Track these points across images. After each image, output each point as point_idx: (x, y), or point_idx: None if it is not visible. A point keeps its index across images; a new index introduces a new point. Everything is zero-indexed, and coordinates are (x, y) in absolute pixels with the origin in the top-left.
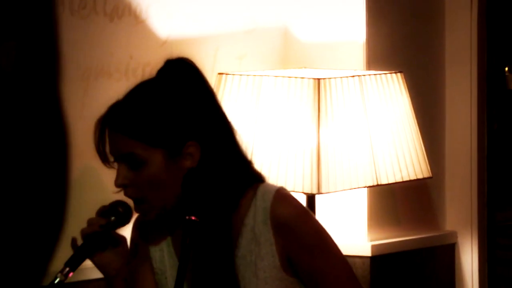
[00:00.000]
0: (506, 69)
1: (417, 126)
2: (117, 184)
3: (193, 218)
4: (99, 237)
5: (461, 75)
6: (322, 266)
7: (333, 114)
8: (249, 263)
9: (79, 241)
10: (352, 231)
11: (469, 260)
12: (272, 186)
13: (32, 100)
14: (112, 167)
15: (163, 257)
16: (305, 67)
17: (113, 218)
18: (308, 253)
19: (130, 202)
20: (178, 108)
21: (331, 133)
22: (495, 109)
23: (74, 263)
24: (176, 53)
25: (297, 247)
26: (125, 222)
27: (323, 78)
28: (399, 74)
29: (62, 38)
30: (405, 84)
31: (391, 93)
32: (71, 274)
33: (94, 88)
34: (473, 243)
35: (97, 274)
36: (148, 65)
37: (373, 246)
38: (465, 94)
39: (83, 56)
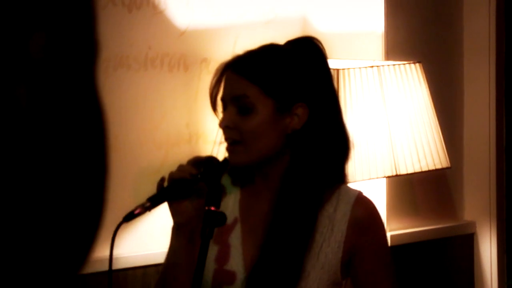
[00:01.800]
0: None
1: (435, 117)
2: (222, 125)
3: (212, 208)
4: (185, 185)
5: (479, 65)
6: (378, 272)
7: (352, 104)
8: (315, 243)
9: (166, 183)
10: None
11: (487, 250)
12: (354, 188)
13: (67, 87)
14: (216, 115)
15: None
16: None
17: (203, 170)
18: (371, 256)
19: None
20: (298, 69)
21: (350, 123)
22: None
23: (155, 200)
24: (195, 43)
25: (365, 247)
26: (214, 177)
27: (342, 69)
28: (417, 65)
29: None
30: (424, 75)
31: (410, 83)
32: (150, 210)
33: (113, 79)
34: (491, 233)
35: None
36: (167, 55)
37: (392, 236)
38: (483, 84)
39: (101, 47)
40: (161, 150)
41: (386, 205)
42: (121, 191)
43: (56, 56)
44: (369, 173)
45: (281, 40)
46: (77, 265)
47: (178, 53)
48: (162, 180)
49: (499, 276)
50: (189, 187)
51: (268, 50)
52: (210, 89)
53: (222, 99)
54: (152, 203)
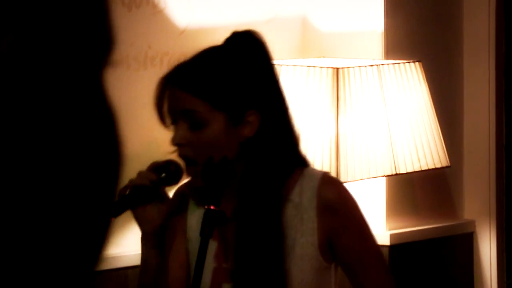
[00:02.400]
0: None
1: (435, 115)
2: (174, 142)
3: (212, 207)
4: (146, 191)
5: (479, 64)
6: (360, 250)
7: (352, 103)
8: (288, 238)
9: (127, 190)
10: (370, 220)
11: (487, 249)
12: (319, 170)
13: (77, 85)
14: (168, 128)
15: (199, 225)
16: (323, 56)
17: (163, 175)
18: (350, 236)
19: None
20: (244, 75)
21: (349, 122)
22: None
23: (116, 210)
24: (195, 42)
25: (340, 228)
26: (174, 182)
27: (342, 67)
28: (417, 64)
29: None
30: (424, 73)
31: (410, 82)
32: (111, 219)
33: (113, 77)
34: (491, 232)
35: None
36: (166, 54)
37: (391, 235)
38: (483, 83)
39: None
40: (161, 149)
41: (386, 204)
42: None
43: (68, 54)
44: (368, 172)
45: (280, 39)
46: (90, 265)
47: (178, 52)
48: (123, 188)
49: (499, 274)
50: (150, 193)
51: (211, 59)
52: (154, 104)
53: (170, 113)
54: (112, 213)
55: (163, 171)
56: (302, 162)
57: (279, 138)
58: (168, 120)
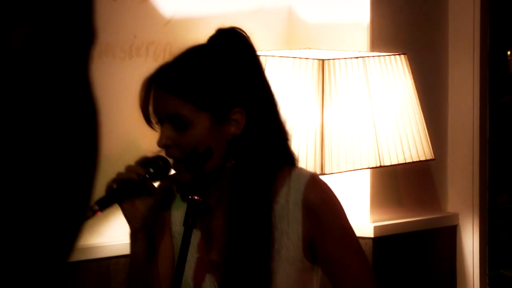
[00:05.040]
0: (508, 52)
1: (420, 108)
2: (160, 144)
3: (195, 197)
4: (133, 185)
5: (464, 58)
6: (342, 255)
7: (337, 95)
8: (275, 239)
9: (115, 184)
10: (354, 212)
11: (470, 241)
12: (307, 171)
13: (61, 78)
14: (153, 128)
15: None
16: (309, 48)
17: (152, 170)
18: (332, 240)
19: None
20: (228, 73)
21: (334, 114)
22: (496, 92)
23: (104, 203)
24: (181, 32)
25: (323, 232)
26: (162, 177)
27: (327, 59)
28: (402, 56)
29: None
30: (409, 66)
31: (395, 75)
32: (99, 213)
33: (98, 67)
34: (474, 225)
35: (97, 255)
36: (152, 44)
37: (375, 227)
38: (467, 77)
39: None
40: (146, 139)
41: (370, 196)
42: (107, 180)
43: (52, 47)
44: (353, 164)
45: (266, 30)
46: (65, 253)
47: (163, 42)
48: (111, 182)
49: (481, 267)
50: (138, 187)
51: (194, 59)
52: (140, 105)
53: (156, 114)
54: (100, 206)
55: (151, 166)
56: (290, 160)
57: (266, 135)
58: (153, 120)
